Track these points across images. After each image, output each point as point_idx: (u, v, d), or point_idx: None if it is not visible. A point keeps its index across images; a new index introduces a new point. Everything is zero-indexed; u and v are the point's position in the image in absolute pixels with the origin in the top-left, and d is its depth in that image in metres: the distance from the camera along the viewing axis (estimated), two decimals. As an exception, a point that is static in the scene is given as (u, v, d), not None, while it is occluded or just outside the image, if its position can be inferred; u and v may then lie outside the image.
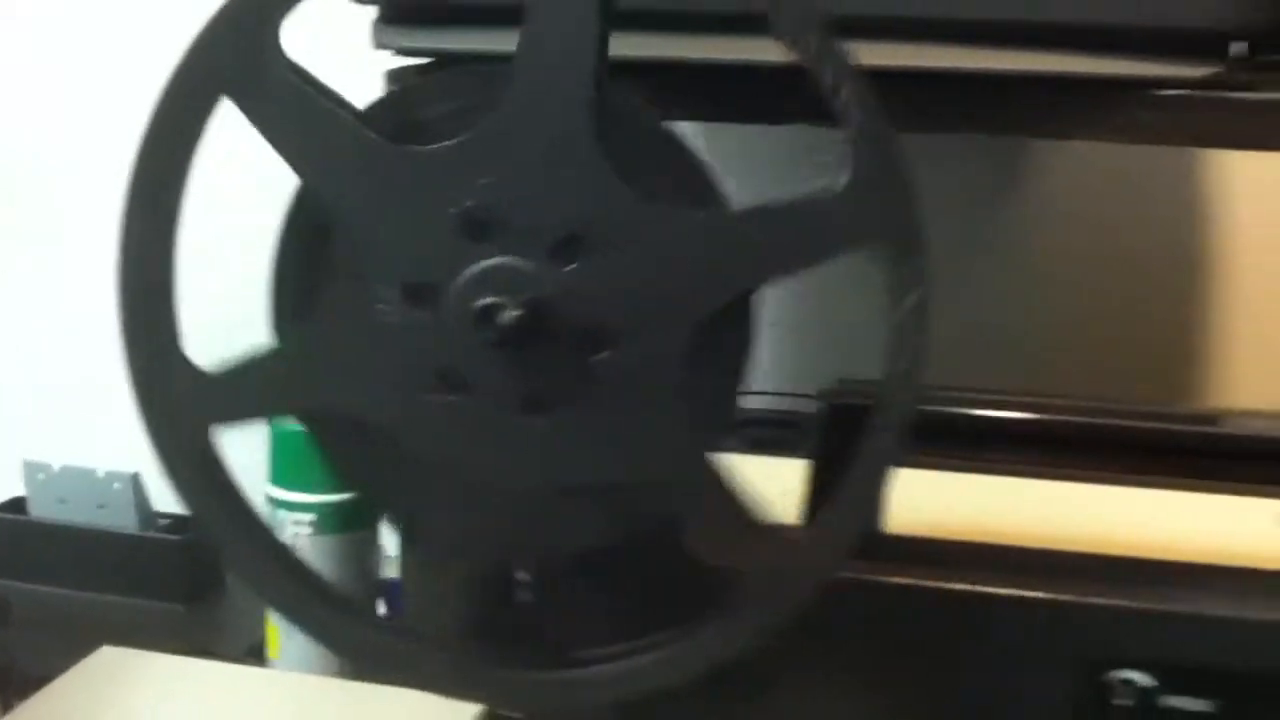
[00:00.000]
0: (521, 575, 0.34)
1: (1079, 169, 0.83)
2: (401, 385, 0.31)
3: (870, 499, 0.31)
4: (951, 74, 0.50)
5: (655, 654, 0.32)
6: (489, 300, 0.29)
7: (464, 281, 0.29)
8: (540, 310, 0.29)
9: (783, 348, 0.93)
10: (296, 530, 0.67)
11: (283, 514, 0.67)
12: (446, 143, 0.29)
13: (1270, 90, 0.50)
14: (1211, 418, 0.38)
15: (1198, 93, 0.50)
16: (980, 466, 0.38)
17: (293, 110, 0.29)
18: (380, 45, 0.57)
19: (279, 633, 0.69)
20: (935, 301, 0.32)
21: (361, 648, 0.36)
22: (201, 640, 0.76)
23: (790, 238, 0.30)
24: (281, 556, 0.36)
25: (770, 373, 0.92)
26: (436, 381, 0.31)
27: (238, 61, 0.29)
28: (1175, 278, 0.84)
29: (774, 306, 0.83)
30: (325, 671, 0.67)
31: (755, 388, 0.87)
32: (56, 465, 0.83)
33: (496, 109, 0.29)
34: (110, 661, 0.66)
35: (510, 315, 0.29)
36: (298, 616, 0.36)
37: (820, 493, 0.35)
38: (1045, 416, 0.38)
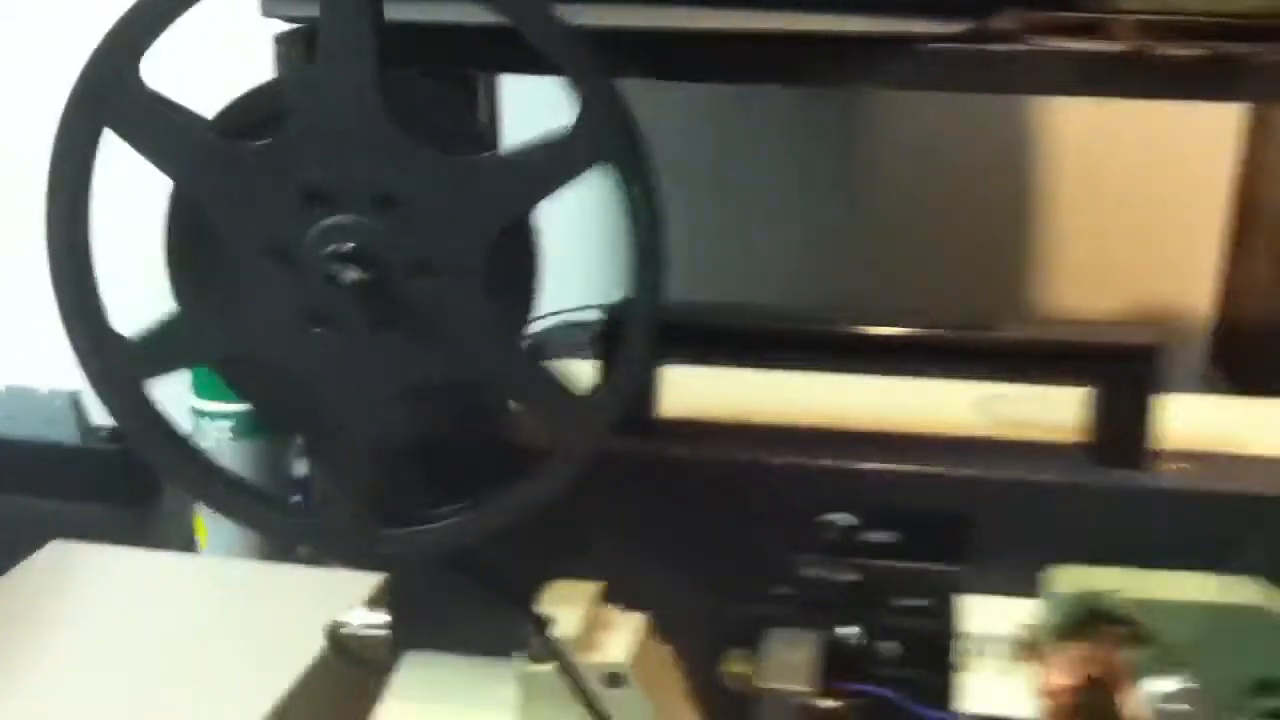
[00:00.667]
0: (386, 458, 0.44)
1: (922, 107, 0.94)
2: (279, 327, 0.41)
3: (627, 389, 0.41)
4: (756, 34, 0.60)
5: (480, 510, 0.42)
6: (331, 249, 0.39)
7: (310, 240, 0.39)
8: (370, 253, 0.39)
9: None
10: (219, 436, 0.76)
11: (205, 422, 0.77)
12: (279, 134, 0.39)
13: (1013, 44, 0.61)
14: (946, 322, 0.47)
15: (957, 46, 0.60)
16: (741, 364, 0.48)
17: (158, 129, 0.38)
18: (268, 14, 0.66)
19: (206, 526, 0.80)
20: (669, 220, 0.42)
21: (274, 529, 0.46)
22: (140, 538, 0.86)
23: (542, 168, 0.39)
24: (204, 463, 0.45)
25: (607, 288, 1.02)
26: (305, 320, 0.41)
27: (109, 99, 0.39)
28: (1004, 199, 0.96)
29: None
30: (248, 555, 0.77)
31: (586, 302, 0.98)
32: (2, 386, 0.92)
33: (306, 104, 0.38)
34: (61, 554, 0.75)
35: (348, 257, 0.39)
36: (222, 509, 0.46)
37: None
38: (793, 325, 0.48)
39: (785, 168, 0.98)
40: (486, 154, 0.40)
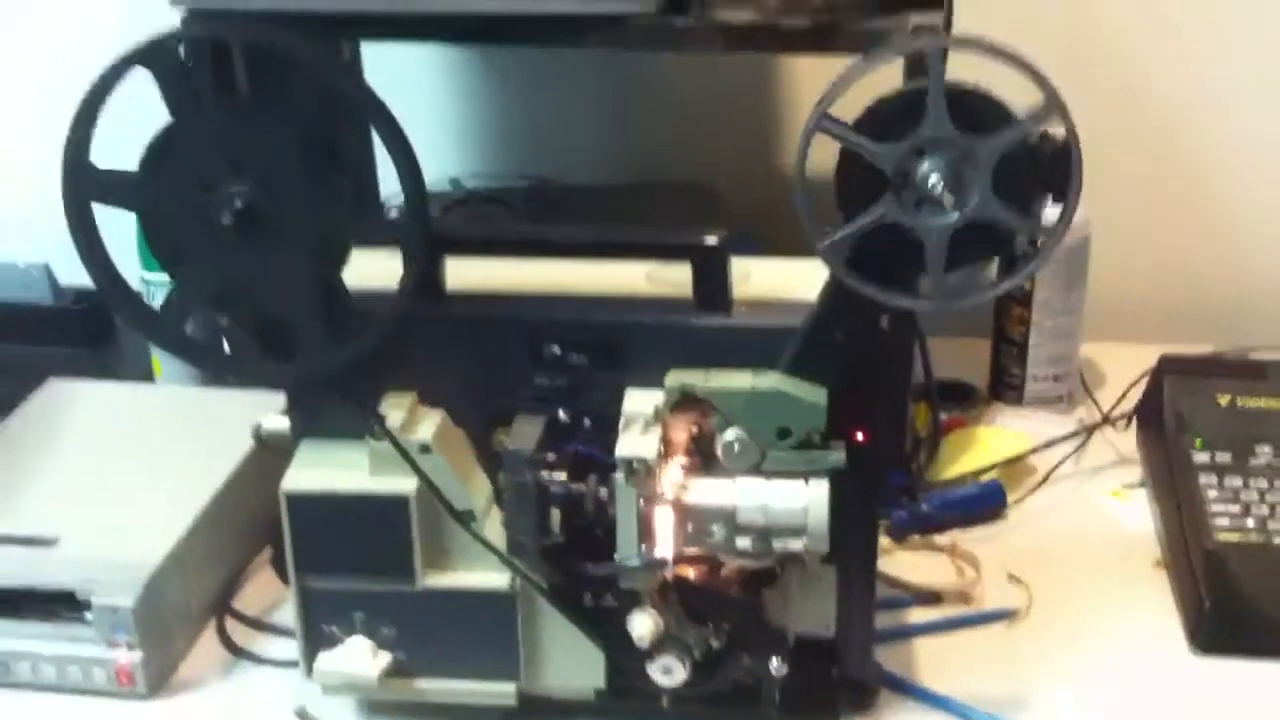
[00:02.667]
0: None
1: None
2: (215, 246, 0.70)
3: (415, 280, 0.70)
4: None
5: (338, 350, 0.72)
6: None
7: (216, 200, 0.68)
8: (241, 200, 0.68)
9: (505, 137, 1.32)
10: (161, 299, 1.04)
11: (152, 289, 1.04)
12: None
13: (685, 18, 0.89)
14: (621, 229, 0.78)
15: (648, 20, 0.88)
16: (497, 255, 0.78)
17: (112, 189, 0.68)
18: (174, 3, 0.92)
19: (161, 363, 1.08)
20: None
21: (210, 367, 0.75)
22: (101, 372, 1.10)
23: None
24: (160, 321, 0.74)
25: (494, 157, 1.31)
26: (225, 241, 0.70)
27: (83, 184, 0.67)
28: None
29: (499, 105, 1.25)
30: (192, 383, 1.06)
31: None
32: (-14, 261, 1.17)
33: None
34: (56, 389, 1.04)
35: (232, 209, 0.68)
36: (170, 350, 0.75)
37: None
38: (527, 233, 0.77)
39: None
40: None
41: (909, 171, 0.67)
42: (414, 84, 1.29)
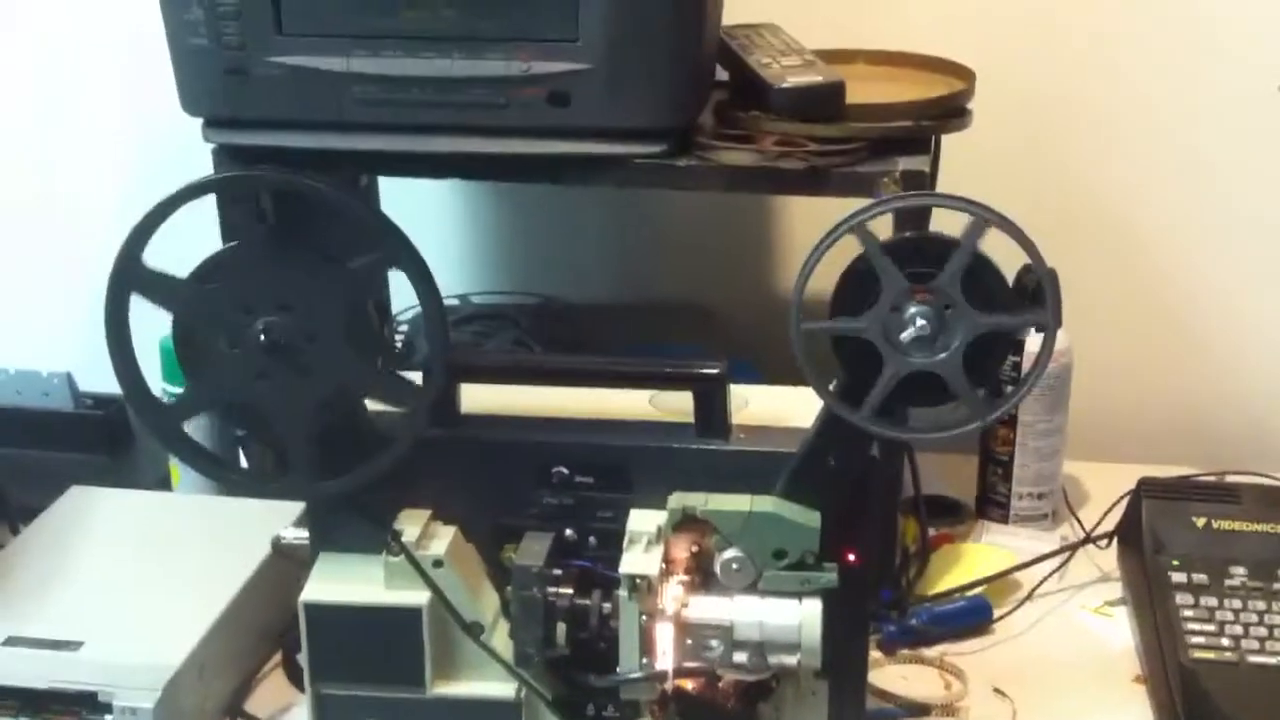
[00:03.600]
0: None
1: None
2: (242, 375, 0.74)
3: (435, 397, 0.75)
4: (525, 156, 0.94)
5: (355, 472, 0.76)
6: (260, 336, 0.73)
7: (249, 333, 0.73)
8: (276, 334, 0.73)
9: (513, 256, 1.38)
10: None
11: (172, 399, 1.09)
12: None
13: (688, 159, 0.95)
14: (619, 359, 0.84)
15: (654, 161, 0.94)
16: (509, 382, 0.82)
17: (158, 288, 0.72)
18: (207, 140, 0.98)
19: (178, 470, 1.12)
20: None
21: (225, 479, 0.80)
22: (119, 479, 1.12)
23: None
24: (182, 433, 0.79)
25: (502, 275, 1.37)
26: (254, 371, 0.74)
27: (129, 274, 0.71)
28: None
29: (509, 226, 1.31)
30: (209, 491, 1.09)
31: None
32: (12, 369, 1.21)
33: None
34: (78, 495, 1.07)
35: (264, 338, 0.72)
36: (192, 465, 0.79)
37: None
38: (538, 361, 0.82)
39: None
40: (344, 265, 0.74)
41: (906, 306, 0.72)
42: (426, 203, 1.35)
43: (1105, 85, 1.23)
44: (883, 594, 1.02)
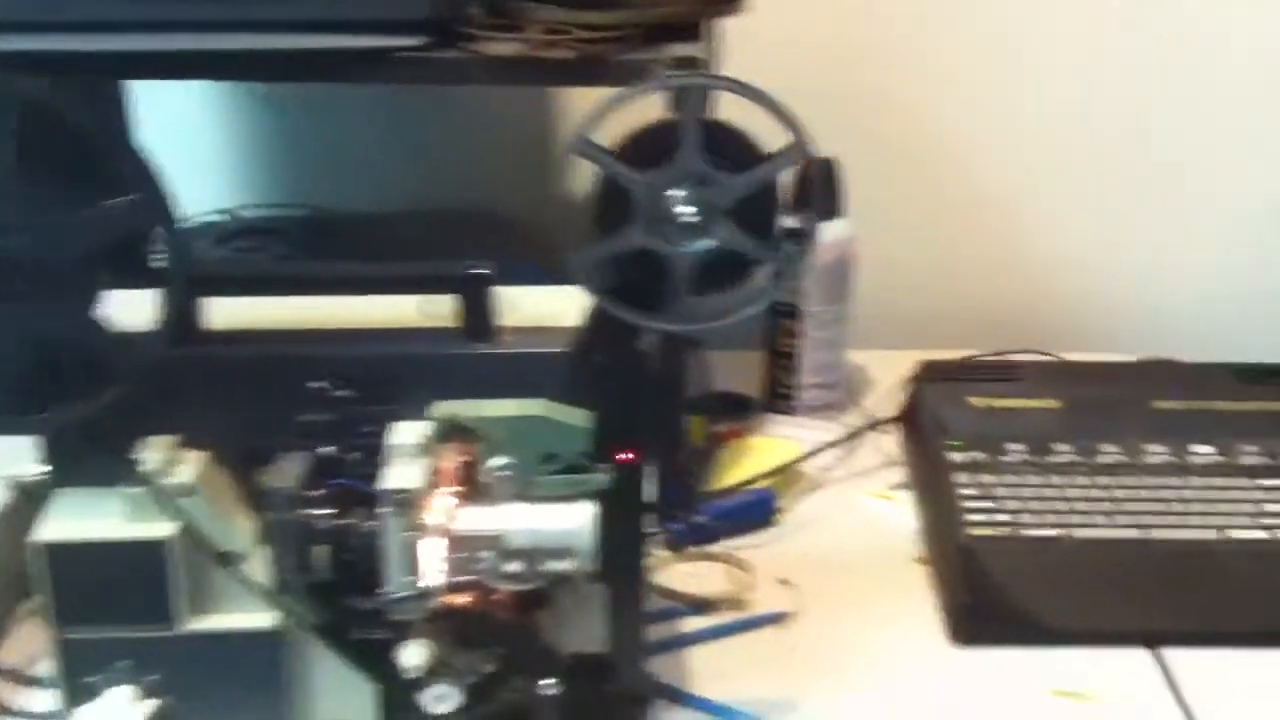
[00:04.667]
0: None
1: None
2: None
3: (171, 323, 0.69)
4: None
5: (89, 400, 0.70)
6: None
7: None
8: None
9: (282, 166, 1.31)
10: None
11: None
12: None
13: (451, 51, 0.90)
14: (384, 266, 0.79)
15: (414, 54, 0.89)
16: (254, 294, 0.77)
17: None
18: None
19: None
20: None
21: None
22: None
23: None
24: None
25: (272, 187, 1.29)
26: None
27: None
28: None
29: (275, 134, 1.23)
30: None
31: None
32: None
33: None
34: None
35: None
36: None
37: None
38: (285, 270, 0.77)
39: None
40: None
41: (662, 201, 0.70)
42: (187, 115, 1.27)
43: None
44: (669, 493, 1.00)
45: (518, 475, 0.73)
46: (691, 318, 0.71)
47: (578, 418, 0.74)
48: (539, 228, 1.28)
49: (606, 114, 0.69)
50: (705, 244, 0.70)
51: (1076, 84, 1.26)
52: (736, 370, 1.18)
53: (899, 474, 1.07)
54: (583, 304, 0.74)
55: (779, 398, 1.17)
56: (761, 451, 1.09)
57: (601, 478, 0.74)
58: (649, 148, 0.70)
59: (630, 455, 0.76)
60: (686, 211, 0.70)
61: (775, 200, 0.71)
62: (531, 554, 0.73)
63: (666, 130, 0.70)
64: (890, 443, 1.10)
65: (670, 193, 0.70)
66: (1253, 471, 0.98)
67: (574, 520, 0.73)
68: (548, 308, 0.78)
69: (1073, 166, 1.29)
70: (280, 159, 1.31)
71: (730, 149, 0.70)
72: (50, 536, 0.73)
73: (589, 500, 0.73)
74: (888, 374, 1.19)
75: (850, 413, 1.17)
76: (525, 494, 0.73)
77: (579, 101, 1.26)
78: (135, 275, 0.73)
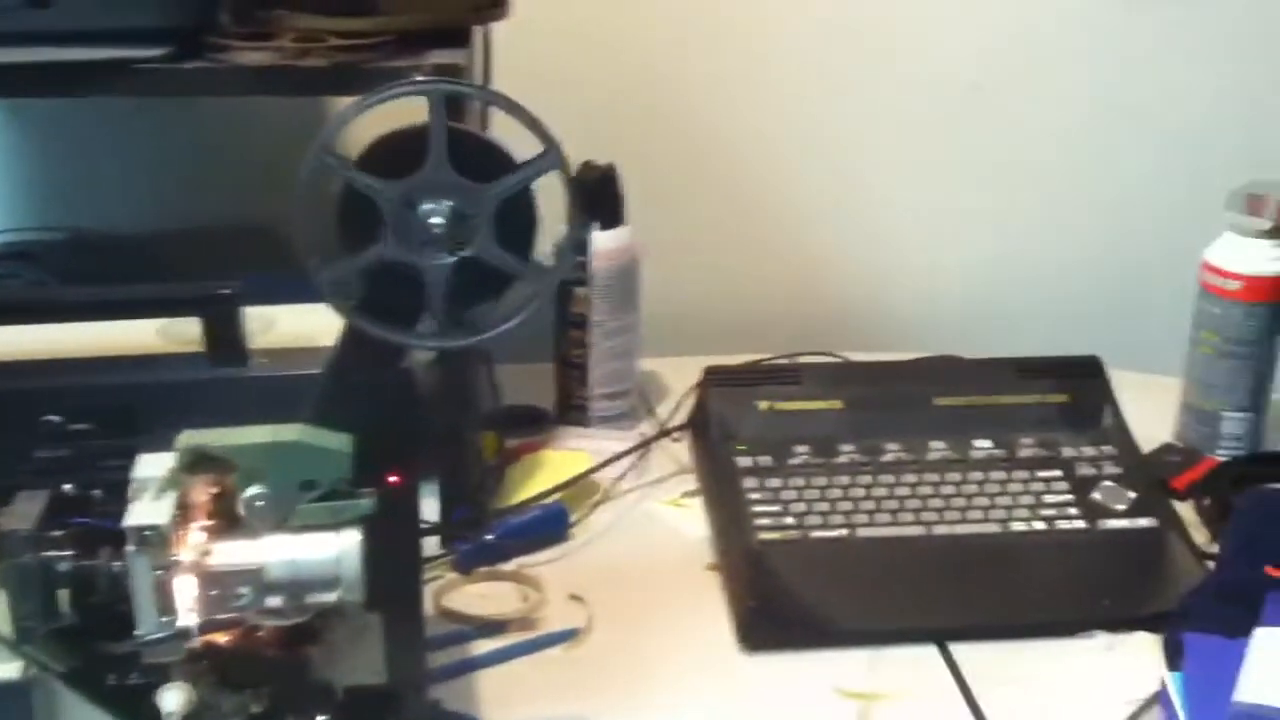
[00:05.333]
0: None
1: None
2: None
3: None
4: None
5: None
6: None
7: None
8: None
9: (35, 185, 1.24)
10: None
11: None
12: None
13: (199, 62, 0.86)
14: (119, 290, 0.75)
15: (158, 65, 0.85)
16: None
17: None
18: None
19: None
20: None
21: None
22: None
23: None
24: None
25: (26, 208, 1.23)
26: None
27: None
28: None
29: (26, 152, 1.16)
30: None
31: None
32: None
33: None
34: None
35: None
36: None
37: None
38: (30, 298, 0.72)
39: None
40: None
41: (412, 212, 0.67)
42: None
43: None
44: (458, 513, 0.97)
45: (274, 505, 0.69)
46: (447, 333, 0.69)
47: (337, 441, 0.70)
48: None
49: (347, 123, 0.67)
50: (453, 256, 0.68)
51: (846, 82, 1.28)
52: (529, 383, 1.16)
53: (691, 481, 1.06)
54: (339, 322, 0.71)
55: (572, 409, 1.15)
56: (555, 465, 1.07)
57: (366, 503, 0.70)
58: (395, 158, 0.67)
59: (398, 477, 0.73)
60: (437, 223, 0.67)
61: (532, 211, 0.69)
62: (294, 586, 0.69)
63: (413, 138, 0.68)
64: (683, 450, 1.09)
65: (422, 204, 0.67)
66: (1031, 463, 1.00)
67: (337, 549, 0.70)
68: (306, 326, 0.75)
69: (849, 167, 1.31)
70: (34, 179, 1.24)
71: (481, 159, 0.68)
72: None
73: (353, 527, 0.70)
74: (680, 381, 1.19)
75: (644, 422, 1.15)
76: (284, 524, 0.70)
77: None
78: None
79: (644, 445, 1.08)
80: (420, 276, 0.68)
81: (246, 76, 0.87)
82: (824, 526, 0.93)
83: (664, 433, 1.09)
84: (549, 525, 0.99)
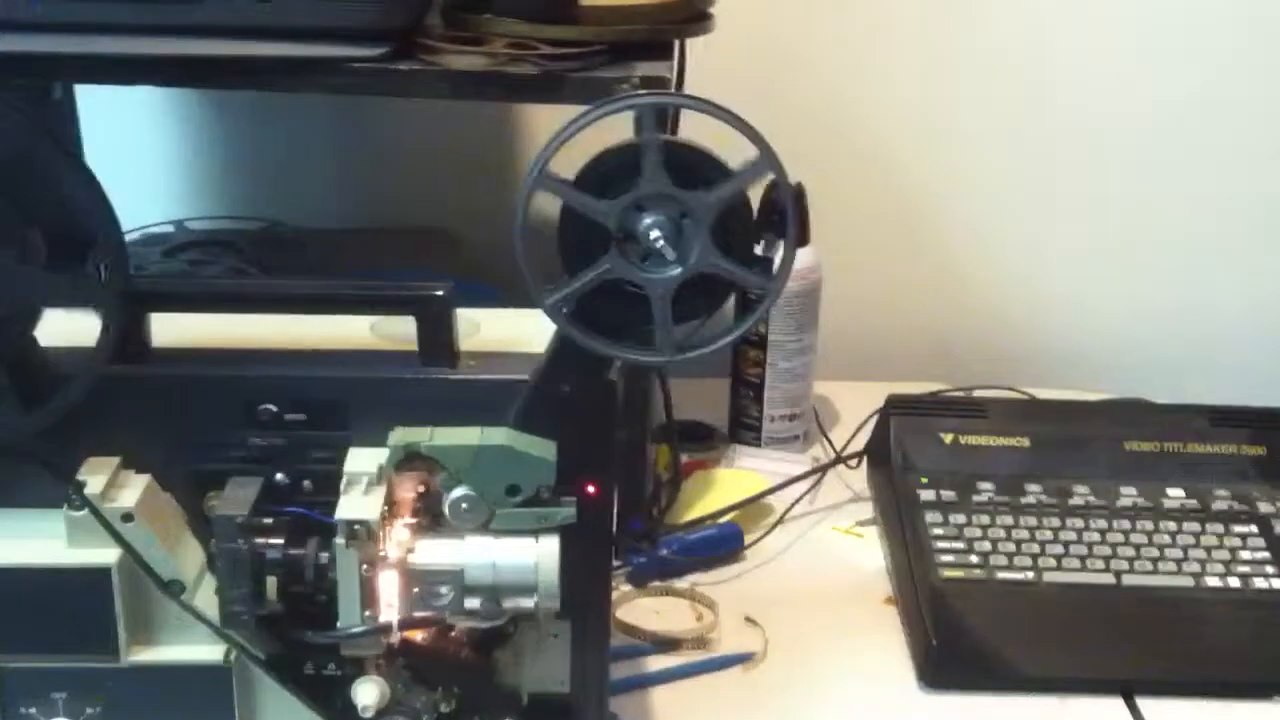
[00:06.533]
0: None
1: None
2: None
3: (114, 340, 0.66)
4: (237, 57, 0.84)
5: (30, 414, 0.67)
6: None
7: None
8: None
9: (234, 177, 1.27)
10: None
11: None
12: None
13: (413, 64, 0.87)
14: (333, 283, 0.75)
15: (373, 65, 0.86)
16: (202, 311, 0.74)
17: None
18: None
19: None
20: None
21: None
22: None
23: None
24: None
25: (223, 198, 1.26)
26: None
27: None
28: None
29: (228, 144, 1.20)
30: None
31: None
32: None
33: None
34: None
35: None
36: None
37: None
38: (234, 287, 0.73)
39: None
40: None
41: (631, 227, 0.67)
42: (136, 121, 1.23)
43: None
44: (632, 525, 0.97)
45: (479, 507, 0.70)
46: (671, 348, 0.68)
47: (542, 448, 0.70)
48: (492, 247, 1.25)
49: (563, 141, 0.66)
50: (680, 270, 0.67)
51: (1053, 122, 1.25)
52: (700, 398, 1.15)
53: (866, 510, 1.04)
54: (547, 328, 0.71)
55: (744, 428, 1.14)
56: (726, 484, 1.07)
57: (568, 510, 0.70)
58: (612, 174, 0.67)
59: (595, 488, 0.73)
60: (658, 236, 0.67)
61: (750, 219, 0.68)
62: (492, 589, 0.70)
63: (628, 154, 0.67)
64: (857, 477, 1.08)
65: (642, 219, 0.67)
66: (1225, 517, 0.97)
67: (537, 555, 0.70)
68: (510, 331, 0.75)
69: (1046, 202, 1.28)
70: (231, 169, 1.28)
71: (694, 169, 0.67)
72: (-18, 562, 0.69)
73: (552, 534, 0.70)
74: (853, 406, 1.17)
75: (816, 445, 1.14)
76: (486, 527, 0.70)
77: (536, 118, 1.24)
78: (77, 287, 0.70)
79: (821, 470, 1.07)
80: (643, 292, 0.67)
81: (457, 80, 0.87)
82: (1010, 568, 0.91)
83: (841, 458, 1.08)
84: (724, 545, 0.99)
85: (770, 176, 0.66)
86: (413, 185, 1.28)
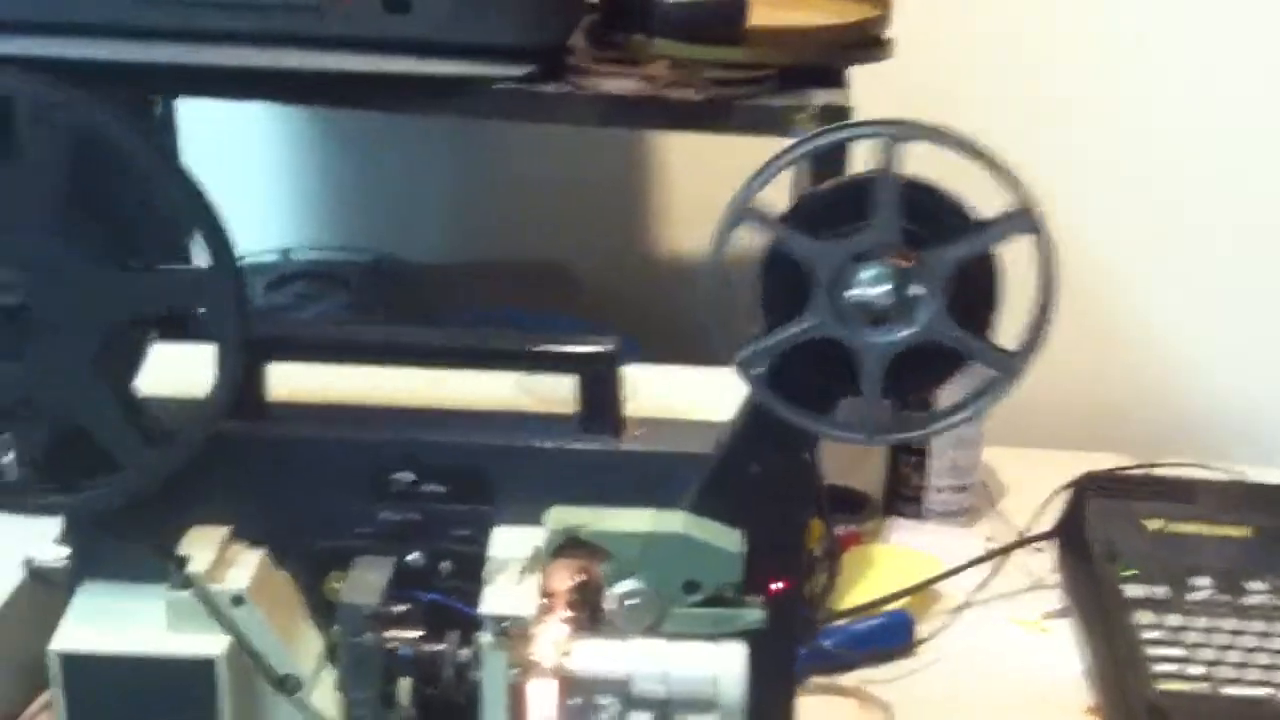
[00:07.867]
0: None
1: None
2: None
3: (228, 394, 0.56)
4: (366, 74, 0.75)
5: (123, 480, 0.57)
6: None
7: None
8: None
9: (345, 204, 1.18)
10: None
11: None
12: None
13: (561, 86, 0.77)
14: (476, 333, 0.65)
15: (517, 86, 0.76)
16: (327, 361, 0.64)
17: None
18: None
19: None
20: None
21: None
22: None
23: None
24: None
25: (332, 228, 1.17)
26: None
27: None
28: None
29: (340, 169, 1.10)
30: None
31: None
32: None
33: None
34: None
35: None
36: None
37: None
38: (364, 335, 0.64)
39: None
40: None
41: (848, 278, 0.56)
42: (242, 142, 1.14)
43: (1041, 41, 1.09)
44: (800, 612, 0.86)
45: (649, 605, 0.59)
46: (884, 426, 0.57)
47: (726, 539, 0.59)
48: (613, 286, 1.15)
49: (777, 172, 0.56)
50: (905, 334, 0.56)
51: (1236, 183, 1.12)
52: (841, 460, 1.03)
53: (1050, 599, 0.92)
54: (720, 392, 0.60)
55: (903, 499, 1.02)
56: (887, 562, 0.94)
57: (756, 614, 0.59)
58: (824, 216, 0.56)
59: (784, 584, 0.62)
60: (879, 292, 0.56)
61: (994, 280, 0.57)
62: (664, 705, 0.58)
63: (848, 193, 0.56)
64: (1037, 561, 0.95)
65: (860, 270, 0.56)
66: None
67: (716, 666, 0.59)
68: (674, 393, 0.64)
69: (1219, 263, 1.15)
70: (342, 197, 1.18)
71: (932, 216, 0.56)
72: (70, 646, 0.60)
73: (735, 641, 0.59)
74: (1019, 477, 1.05)
75: (984, 520, 1.02)
76: (658, 629, 0.59)
77: (664, 146, 1.14)
78: (184, 329, 0.60)
79: (1003, 552, 0.94)
80: (853, 356, 0.56)
81: (609, 105, 0.77)
82: (1239, 682, 0.78)
83: (1025, 540, 0.95)
84: (894, 637, 0.87)
85: (1029, 229, 0.55)
86: (531, 217, 1.17)
